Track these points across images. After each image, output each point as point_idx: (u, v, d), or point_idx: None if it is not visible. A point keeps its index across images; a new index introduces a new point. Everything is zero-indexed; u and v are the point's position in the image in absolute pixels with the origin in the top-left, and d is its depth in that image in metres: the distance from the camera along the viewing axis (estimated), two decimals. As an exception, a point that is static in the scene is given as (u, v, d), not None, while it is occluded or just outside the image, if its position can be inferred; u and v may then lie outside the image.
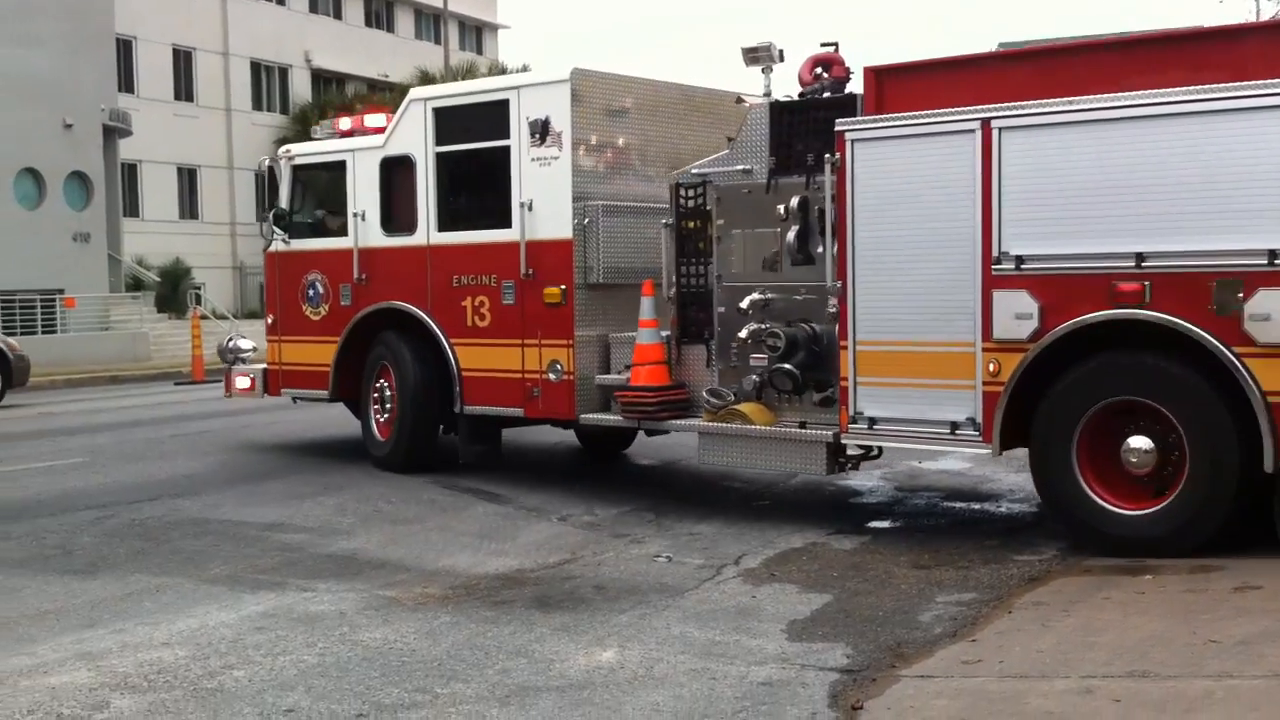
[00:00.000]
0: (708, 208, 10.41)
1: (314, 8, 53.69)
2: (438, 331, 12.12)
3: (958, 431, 8.91)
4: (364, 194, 12.84)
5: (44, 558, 8.86)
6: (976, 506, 10.95)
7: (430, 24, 58.84)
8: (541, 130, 11.27)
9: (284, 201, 13.73)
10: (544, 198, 11.24)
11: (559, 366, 11.28)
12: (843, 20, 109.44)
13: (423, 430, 12.45)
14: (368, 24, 56.76)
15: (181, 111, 47.12)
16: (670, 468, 12.96)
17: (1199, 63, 8.33)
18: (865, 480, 12.40)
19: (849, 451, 9.80)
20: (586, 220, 11.08)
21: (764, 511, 10.59)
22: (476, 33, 63.79)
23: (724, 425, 10.08)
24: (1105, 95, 8.38)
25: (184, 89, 47.76)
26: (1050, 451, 8.69)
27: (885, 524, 10.18)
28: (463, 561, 8.82)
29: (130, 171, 43.17)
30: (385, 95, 53.19)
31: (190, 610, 7.48)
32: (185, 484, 11.88)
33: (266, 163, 14.03)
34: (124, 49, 42.06)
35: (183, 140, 46.66)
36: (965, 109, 8.87)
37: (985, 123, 8.70)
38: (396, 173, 12.51)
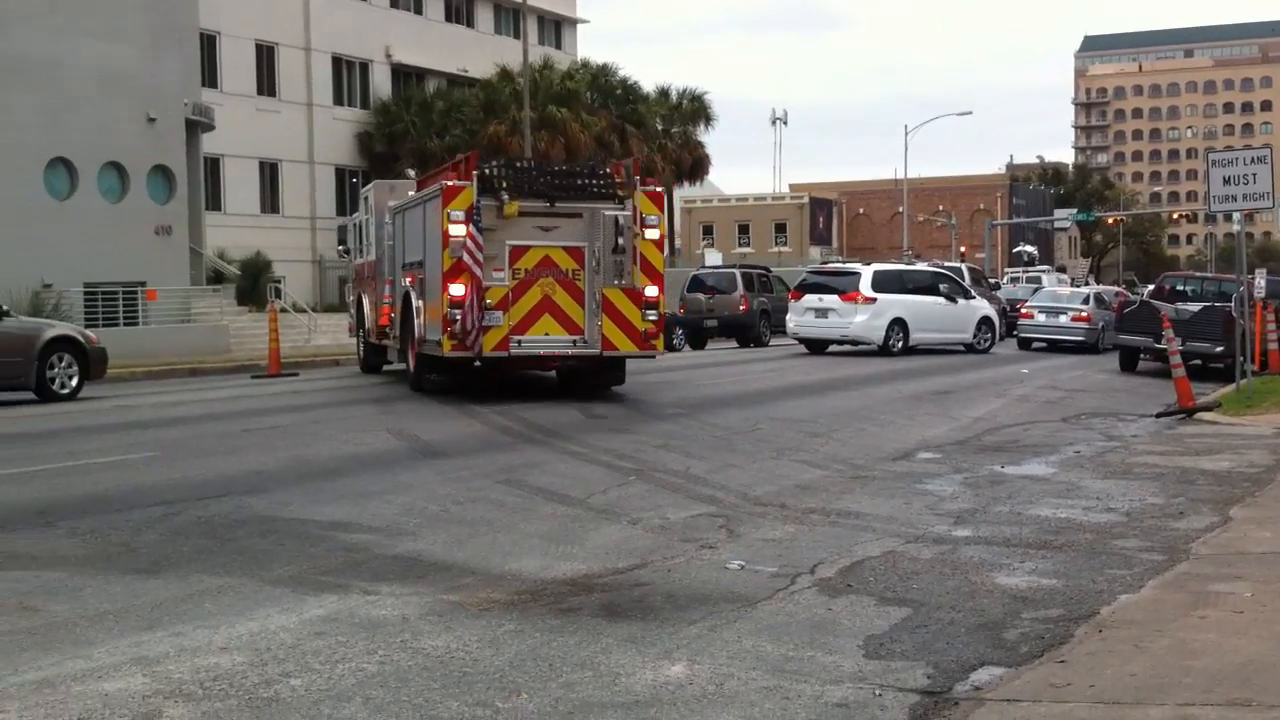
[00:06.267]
0: None
1: (395, 3, 53.91)
2: (366, 304, 24.59)
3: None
4: (355, 238, 26.64)
5: (107, 556, 8.73)
6: (1063, 515, 10.54)
7: (510, 19, 58.89)
8: (371, 208, 23.81)
9: (350, 239, 27.79)
10: (373, 240, 23.77)
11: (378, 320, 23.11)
12: (843, 19, 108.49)
13: (363, 343, 25.53)
14: (448, 19, 56.93)
15: (264, 106, 47.55)
16: (744, 470, 12.68)
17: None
18: (945, 485, 12.06)
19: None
20: (381, 250, 22.67)
21: (838, 519, 10.28)
22: (555, 27, 63.78)
23: (385, 343, 22.35)
24: (412, 195, 20.98)
25: (266, 83, 48.19)
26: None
27: (966, 532, 9.82)
28: (530, 565, 8.58)
29: (212, 165, 43.59)
30: (465, 90, 53.35)
31: (251, 613, 7.30)
32: (254, 480, 11.75)
33: (344, 221, 27.96)
34: (207, 44, 42.45)
35: (264, 134, 47.10)
36: (394, 202, 21.96)
37: (400, 208, 20.91)
38: (361, 228, 25.55)
